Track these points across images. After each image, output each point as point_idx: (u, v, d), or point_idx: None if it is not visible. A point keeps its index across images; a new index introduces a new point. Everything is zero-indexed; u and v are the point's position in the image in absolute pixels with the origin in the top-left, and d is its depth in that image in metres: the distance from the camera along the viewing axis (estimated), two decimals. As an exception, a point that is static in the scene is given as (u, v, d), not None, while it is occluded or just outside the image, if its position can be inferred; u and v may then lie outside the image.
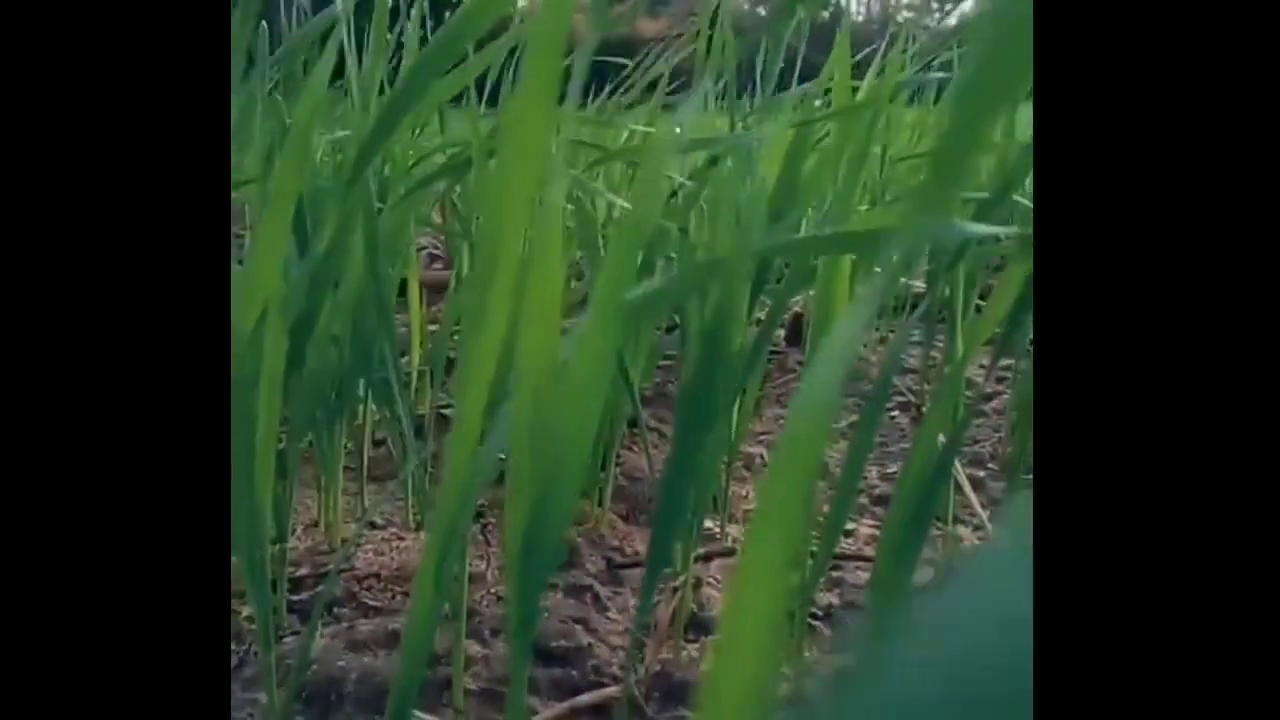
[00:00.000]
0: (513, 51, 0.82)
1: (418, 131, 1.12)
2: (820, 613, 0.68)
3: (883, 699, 0.10)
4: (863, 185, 1.03)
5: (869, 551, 0.77)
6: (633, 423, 0.85)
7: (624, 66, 1.14)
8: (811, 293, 0.85)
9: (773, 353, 1.32)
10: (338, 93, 0.75)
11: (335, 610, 0.67)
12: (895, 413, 1.14)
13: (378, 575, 0.70)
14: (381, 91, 0.74)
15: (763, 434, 1.08)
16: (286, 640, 0.62)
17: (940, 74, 1.00)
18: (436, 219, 1.14)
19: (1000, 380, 1.16)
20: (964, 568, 0.11)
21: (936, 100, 1.43)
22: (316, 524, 0.80)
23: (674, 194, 0.85)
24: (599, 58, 0.88)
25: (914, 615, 0.11)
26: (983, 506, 0.84)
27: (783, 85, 0.98)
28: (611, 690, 0.57)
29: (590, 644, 0.61)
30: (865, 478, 0.94)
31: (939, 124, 1.37)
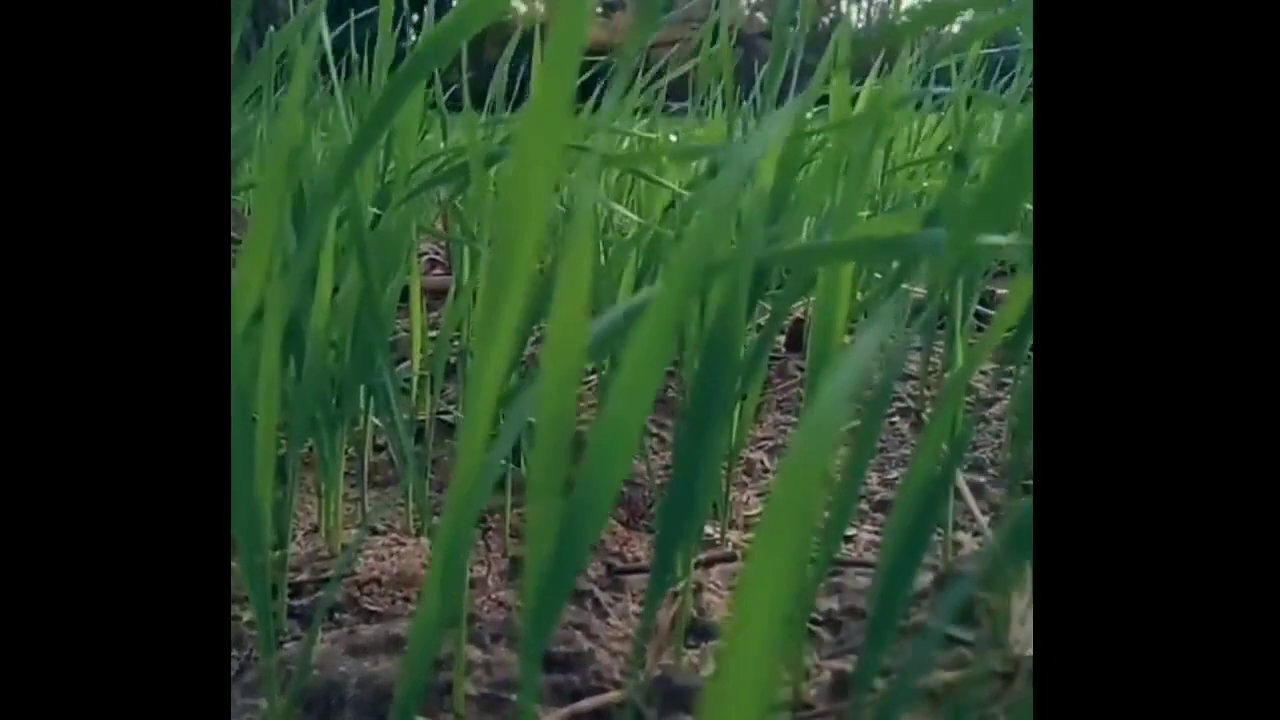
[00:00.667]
0: (514, 57, 0.82)
1: (423, 134, 1.12)
2: (820, 618, 0.68)
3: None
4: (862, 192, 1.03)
5: (870, 557, 0.77)
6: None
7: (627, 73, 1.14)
8: (812, 298, 0.85)
9: (773, 358, 1.32)
10: (332, 98, 0.75)
11: (336, 615, 0.66)
12: (895, 418, 1.14)
13: (378, 580, 0.70)
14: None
15: (763, 439, 1.08)
16: (287, 645, 0.62)
17: (941, 89, 1.00)
18: (439, 226, 1.14)
19: (1001, 386, 1.15)
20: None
21: (937, 107, 1.43)
22: (317, 529, 0.80)
23: (671, 204, 0.85)
24: (593, 57, 0.88)
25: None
26: (983, 512, 0.84)
27: (784, 93, 0.98)
28: (612, 696, 0.57)
29: (591, 649, 0.61)
30: (866, 483, 0.94)
31: (946, 128, 1.37)
